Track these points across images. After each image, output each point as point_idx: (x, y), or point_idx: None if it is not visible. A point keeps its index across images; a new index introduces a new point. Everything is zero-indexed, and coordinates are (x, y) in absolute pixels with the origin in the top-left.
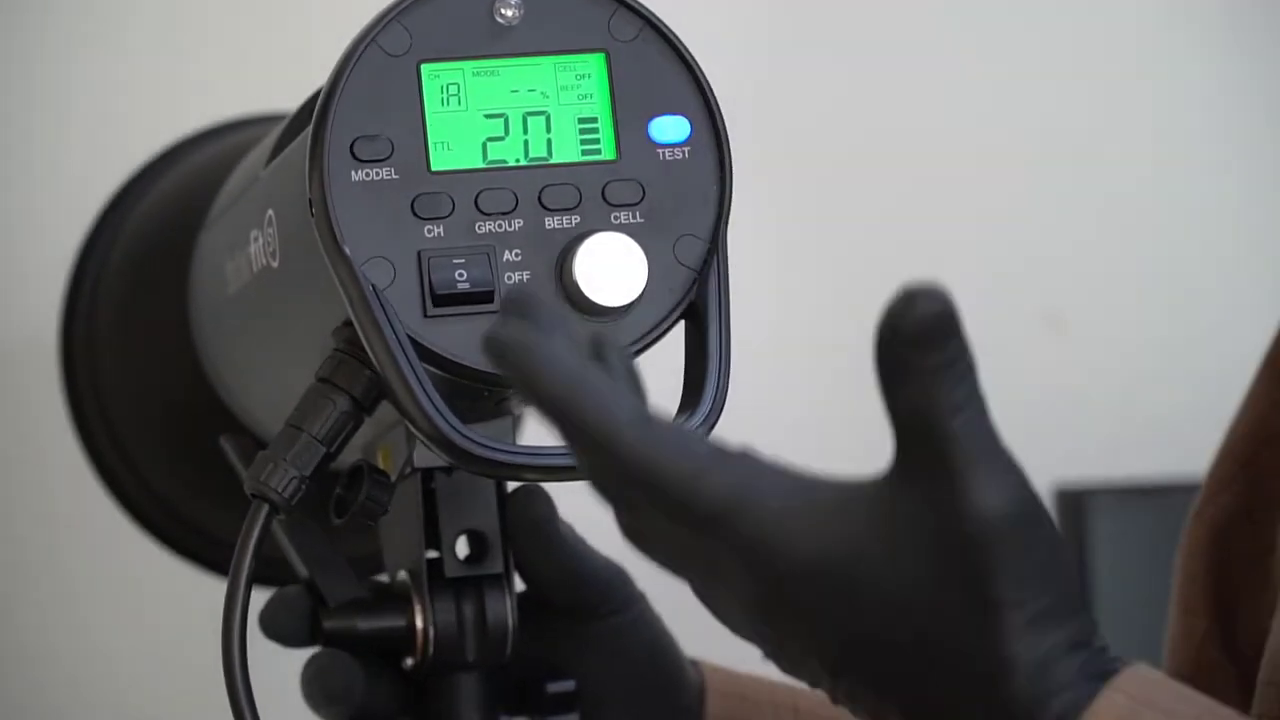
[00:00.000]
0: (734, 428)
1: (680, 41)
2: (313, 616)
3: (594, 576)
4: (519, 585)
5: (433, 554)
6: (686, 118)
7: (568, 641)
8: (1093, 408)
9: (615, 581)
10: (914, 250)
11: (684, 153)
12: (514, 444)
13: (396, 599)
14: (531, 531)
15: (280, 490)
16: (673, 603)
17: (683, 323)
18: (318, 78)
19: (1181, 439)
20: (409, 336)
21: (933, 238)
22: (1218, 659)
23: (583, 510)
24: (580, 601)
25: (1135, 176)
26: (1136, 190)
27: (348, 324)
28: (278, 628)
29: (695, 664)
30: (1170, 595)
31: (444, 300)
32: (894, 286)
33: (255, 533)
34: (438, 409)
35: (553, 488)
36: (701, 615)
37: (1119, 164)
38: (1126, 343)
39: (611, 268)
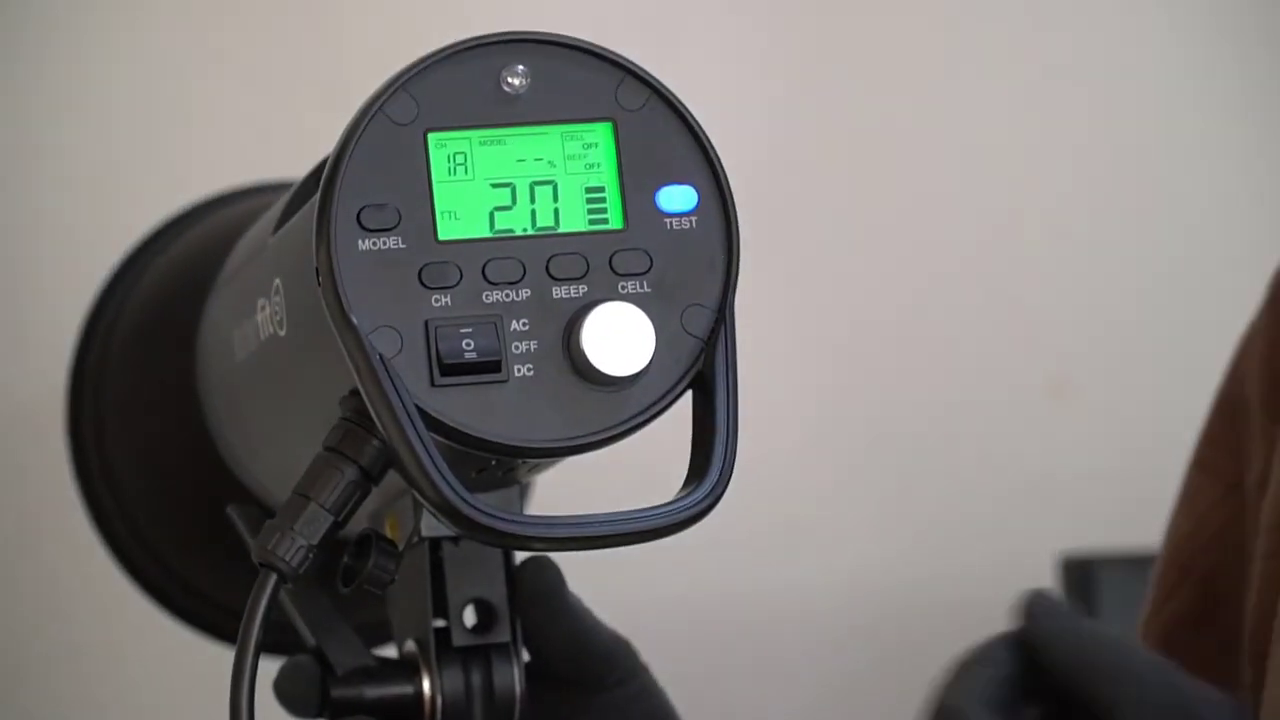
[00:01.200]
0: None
1: (688, 110)
2: (320, 684)
3: (600, 648)
4: (525, 655)
5: (440, 623)
6: (694, 187)
7: (572, 712)
8: (1099, 476)
9: (620, 653)
10: (916, 319)
11: (691, 222)
12: (521, 513)
13: (404, 667)
14: (540, 602)
15: (288, 559)
16: (676, 675)
17: (690, 393)
18: (324, 146)
19: None
20: (416, 406)
21: (936, 306)
22: None
23: (587, 579)
24: (585, 672)
25: (1141, 243)
26: (1141, 257)
27: (355, 393)
28: (291, 697)
29: None
30: None
31: (451, 370)
32: (895, 352)
33: (263, 602)
34: (445, 478)
35: (559, 558)
36: (703, 688)
37: (1124, 229)
38: (1132, 410)
39: (619, 338)
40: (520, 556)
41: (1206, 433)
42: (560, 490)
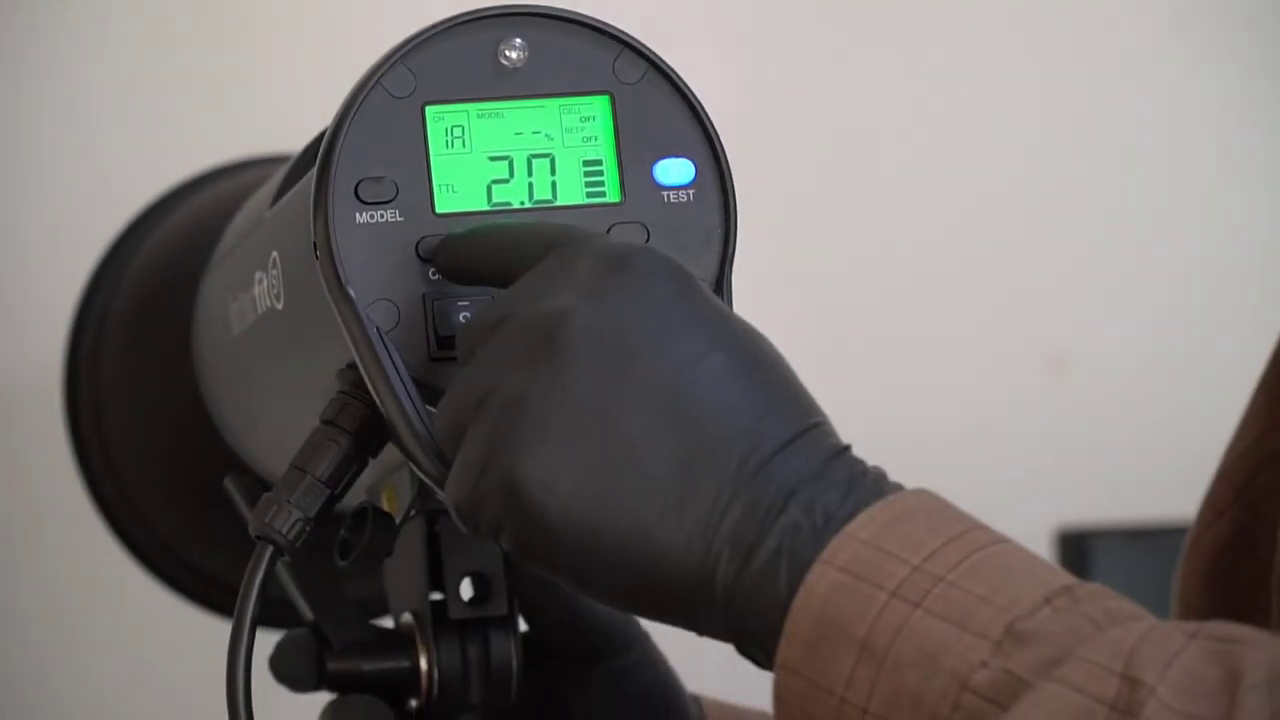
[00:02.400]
0: None
1: (685, 84)
2: (317, 658)
3: (597, 620)
4: (522, 627)
5: (437, 596)
6: (691, 160)
7: (571, 684)
8: (1095, 449)
9: (619, 624)
10: (915, 293)
11: (688, 195)
12: None
13: (401, 640)
14: (535, 577)
15: (284, 532)
16: (676, 642)
17: None
18: (322, 119)
19: (1184, 480)
20: (413, 379)
21: (934, 282)
22: None
23: None
24: (583, 644)
25: (1139, 218)
26: (1139, 232)
27: (352, 366)
28: (287, 671)
29: (698, 700)
30: None
31: (449, 343)
32: (893, 328)
33: (259, 575)
34: (442, 451)
35: None
36: (706, 653)
37: (1122, 206)
38: (1129, 384)
39: None
40: None
41: (1274, 357)
42: None
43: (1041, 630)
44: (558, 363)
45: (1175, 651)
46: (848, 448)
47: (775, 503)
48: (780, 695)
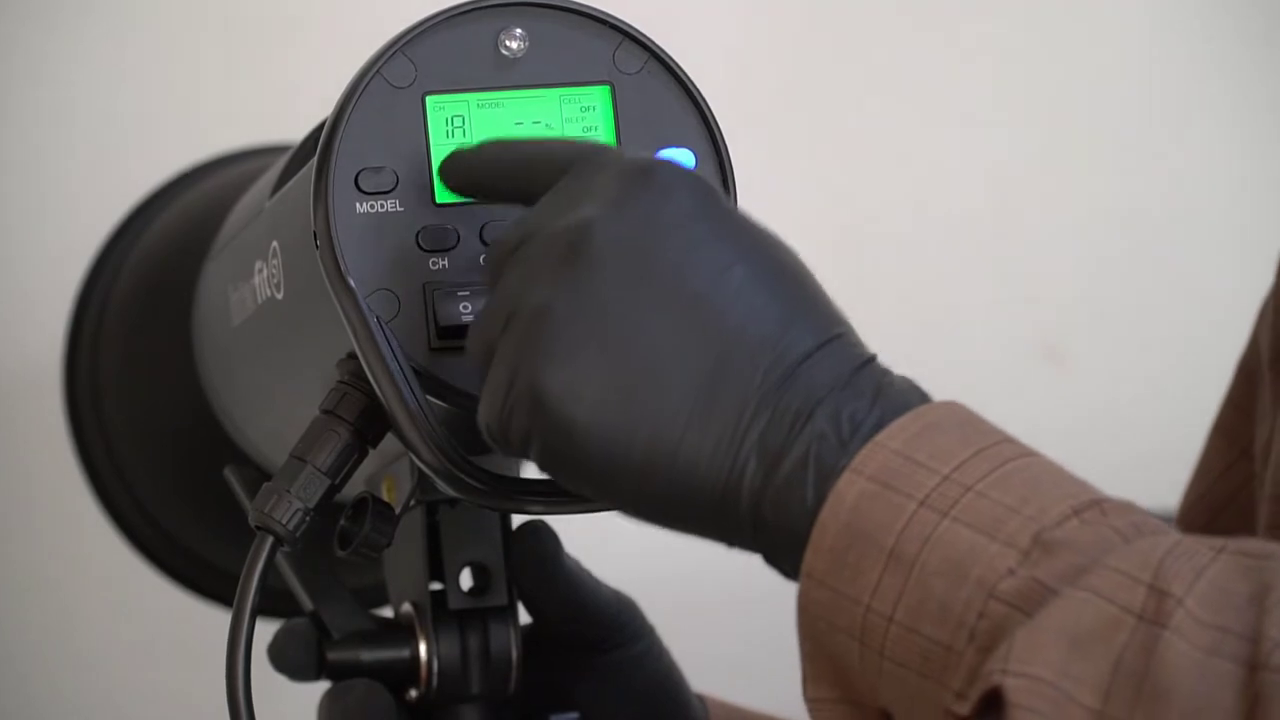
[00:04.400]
0: None
1: (685, 74)
2: (317, 648)
3: (601, 611)
4: (524, 618)
5: (437, 586)
6: (691, 150)
7: (574, 674)
8: (1093, 440)
9: (623, 615)
10: (914, 284)
11: None
12: (518, 477)
13: (401, 630)
14: (536, 567)
15: (285, 522)
16: (682, 637)
17: None
18: (323, 109)
19: (1181, 475)
20: (413, 369)
21: (932, 272)
22: None
23: (592, 542)
24: (587, 635)
25: (1136, 209)
26: (1137, 223)
27: (352, 356)
28: (286, 661)
29: (702, 699)
30: None
31: (449, 332)
32: (891, 316)
33: (260, 564)
34: (441, 441)
35: (558, 521)
36: (710, 650)
37: (1120, 196)
38: (1126, 376)
39: None
40: (517, 520)
41: (1228, 396)
42: None
43: (1069, 540)
44: (581, 273)
45: (1204, 565)
46: (873, 357)
47: (802, 411)
48: (804, 605)
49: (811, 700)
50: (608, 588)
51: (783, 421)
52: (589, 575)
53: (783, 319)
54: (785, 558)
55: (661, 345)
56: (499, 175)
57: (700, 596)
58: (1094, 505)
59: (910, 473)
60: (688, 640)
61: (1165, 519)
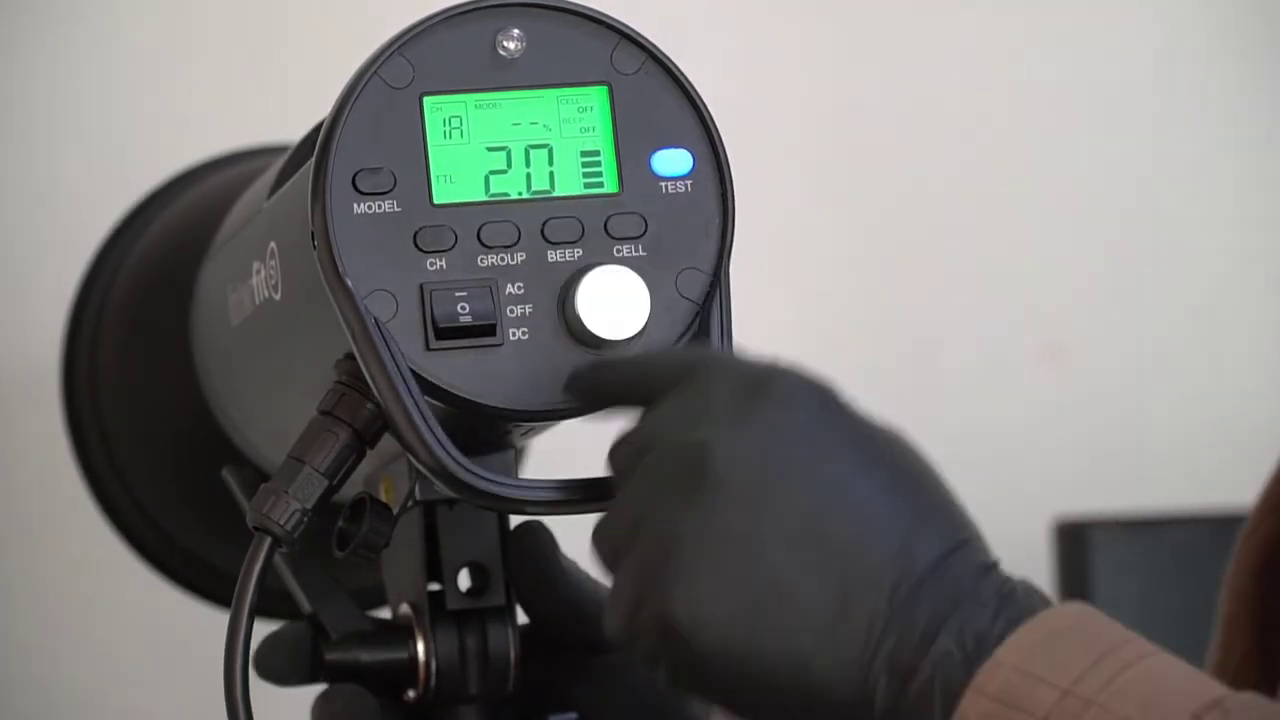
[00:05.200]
0: None
1: (683, 74)
2: (314, 649)
3: (598, 611)
4: (522, 619)
5: (435, 586)
6: (689, 151)
7: (573, 674)
8: (1093, 440)
9: None
10: (912, 282)
11: (686, 186)
12: (516, 477)
13: (399, 631)
14: (532, 569)
15: (282, 523)
16: None
17: None
18: (320, 109)
19: (1182, 471)
20: (411, 370)
21: (931, 271)
22: (1256, 682)
23: (582, 543)
24: (586, 636)
25: (1136, 207)
26: (1137, 220)
27: (349, 357)
28: (271, 668)
29: None
30: (1214, 618)
31: (446, 333)
32: (889, 318)
33: (258, 565)
34: (440, 441)
35: (557, 522)
36: None
37: (1119, 194)
38: (1127, 374)
39: (614, 301)
40: (515, 520)
41: None
42: (555, 454)
43: None
44: (703, 498)
45: None
46: (996, 563)
47: (929, 629)
48: None
49: None
50: (608, 589)
51: (910, 640)
52: (588, 576)
53: (906, 531)
54: None
55: (786, 568)
56: (620, 391)
57: None
58: (1215, 706)
59: (1030, 690)
60: None
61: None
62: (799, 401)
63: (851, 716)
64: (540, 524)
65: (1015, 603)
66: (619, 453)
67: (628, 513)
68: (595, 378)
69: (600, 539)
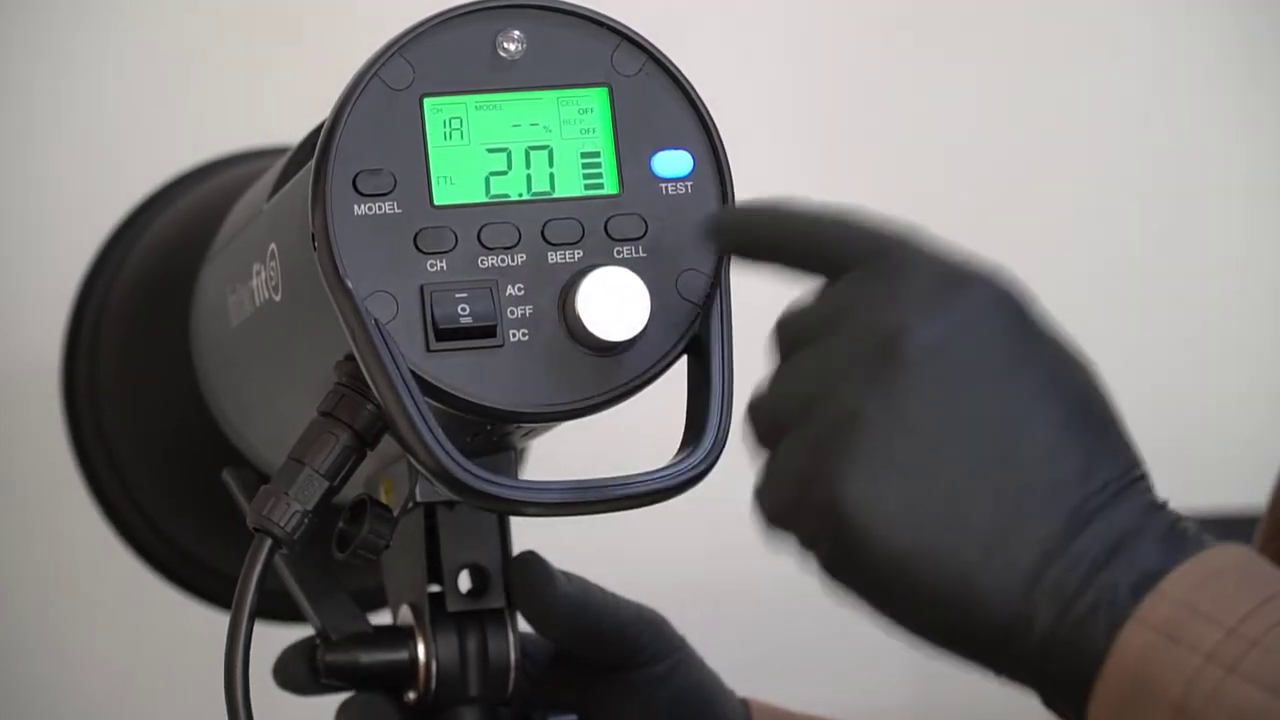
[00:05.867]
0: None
1: (683, 76)
2: (314, 650)
3: (618, 631)
4: (524, 625)
5: (435, 588)
6: (689, 152)
7: (602, 691)
8: None
9: (646, 634)
10: None
11: (687, 187)
12: (516, 479)
13: (399, 633)
14: (530, 598)
15: (283, 524)
16: (717, 645)
17: (685, 358)
18: (320, 111)
19: (1182, 472)
20: (411, 371)
21: None
22: None
23: (583, 543)
24: (607, 656)
25: (1136, 214)
26: (1137, 222)
27: (350, 358)
28: (291, 678)
29: (745, 703)
30: None
31: (446, 335)
32: None
33: (258, 567)
34: (440, 443)
35: (557, 523)
36: (747, 655)
37: (1120, 196)
38: (1126, 376)
39: (614, 302)
40: (515, 523)
41: None
42: (555, 455)
43: None
44: (894, 381)
45: None
46: (1166, 502)
47: (1099, 558)
48: None
49: None
50: (630, 606)
51: (1079, 567)
52: (603, 595)
53: (1088, 457)
54: (1067, 701)
55: (968, 472)
56: (795, 239)
57: (696, 590)
58: None
59: (1193, 624)
60: (727, 643)
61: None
62: (999, 305)
63: (1006, 635)
64: (531, 554)
65: (1183, 539)
66: (794, 322)
67: (800, 387)
68: (751, 223)
69: (760, 411)
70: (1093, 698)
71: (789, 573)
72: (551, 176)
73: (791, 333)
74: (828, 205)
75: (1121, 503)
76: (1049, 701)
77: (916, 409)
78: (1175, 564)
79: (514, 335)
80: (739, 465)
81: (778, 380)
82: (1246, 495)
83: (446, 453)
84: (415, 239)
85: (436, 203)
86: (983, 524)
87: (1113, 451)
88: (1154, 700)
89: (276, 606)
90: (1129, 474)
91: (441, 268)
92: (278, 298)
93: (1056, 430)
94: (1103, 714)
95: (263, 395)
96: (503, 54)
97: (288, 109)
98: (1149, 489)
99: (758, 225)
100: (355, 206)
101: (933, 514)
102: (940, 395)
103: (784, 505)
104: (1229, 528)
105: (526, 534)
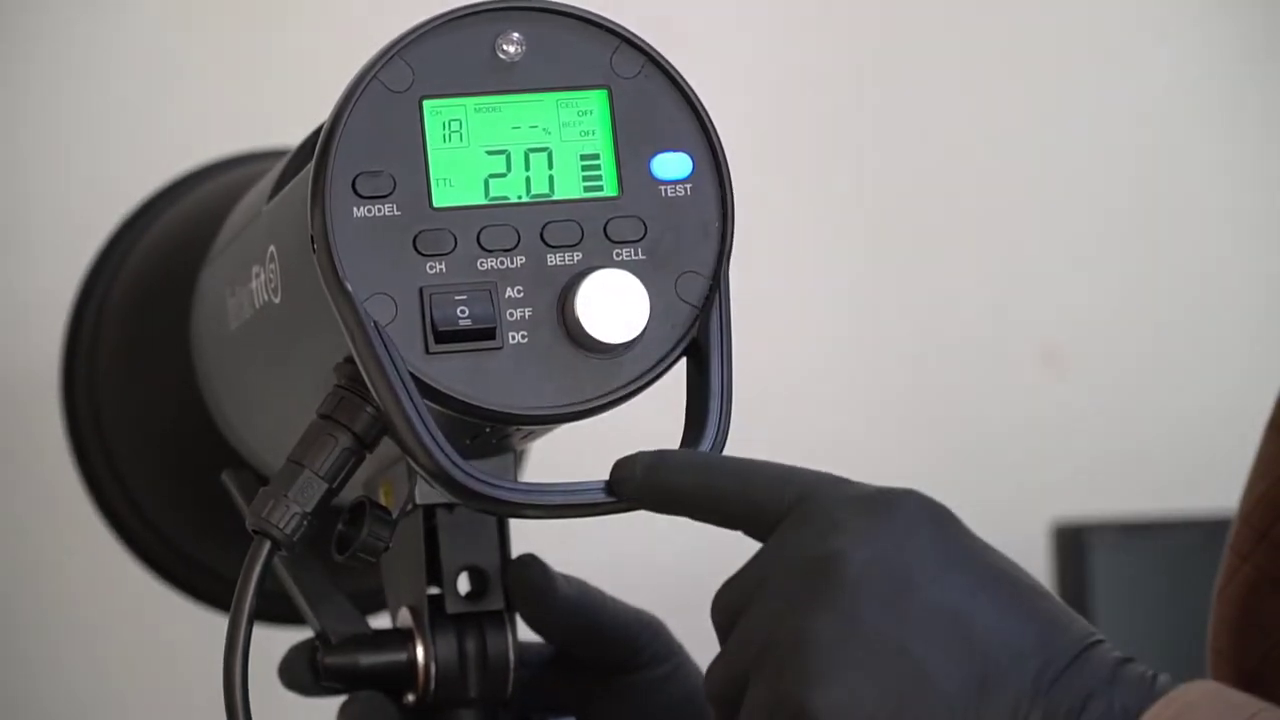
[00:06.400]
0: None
1: (682, 78)
2: (314, 652)
3: (617, 633)
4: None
5: (434, 590)
6: (688, 154)
7: (598, 694)
8: (1091, 444)
9: (644, 636)
10: (911, 286)
11: (686, 189)
12: (515, 481)
13: (398, 635)
14: (529, 602)
15: (282, 526)
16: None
17: (684, 360)
18: (320, 113)
19: (1180, 474)
20: (410, 373)
21: (930, 274)
22: None
23: (581, 544)
24: (606, 658)
25: (1134, 212)
26: (1135, 225)
27: (349, 360)
28: (296, 679)
29: None
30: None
31: (445, 337)
32: (887, 321)
33: (257, 569)
34: (439, 445)
35: (558, 525)
36: (692, 649)
37: (1117, 199)
38: (1125, 378)
39: (613, 305)
40: (514, 525)
41: None
42: (555, 457)
43: None
44: (842, 598)
45: None
46: (1133, 659)
47: (1074, 708)
48: None
49: None
50: (629, 609)
51: (1055, 716)
52: (602, 598)
53: (1043, 631)
54: None
55: (927, 660)
56: (716, 500)
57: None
58: None
59: None
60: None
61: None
62: (924, 517)
63: None
64: (529, 556)
65: (1157, 684)
66: (729, 592)
67: (754, 635)
68: (688, 482)
69: (718, 671)
70: None
71: None
72: (551, 179)
73: (731, 599)
74: (736, 461)
75: (1088, 660)
76: None
77: (866, 615)
78: (1146, 702)
79: (513, 337)
80: None
81: (730, 642)
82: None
83: (446, 455)
84: (414, 241)
85: (436, 205)
86: (955, 699)
87: (1067, 622)
88: None
89: (275, 609)
90: (1089, 637)
91: (441, 270)
92: (277, 300)
93: (1005, 611)
94: None
95: (262, 397)
96: (502, 56)
97: (287, 111)
98: (1113, 649)
99: (685, 485)
100: (354, 209)
101: (903, 704)
102: (887, 598)
103: None
104: (1225, 530)
105: (526, 536)
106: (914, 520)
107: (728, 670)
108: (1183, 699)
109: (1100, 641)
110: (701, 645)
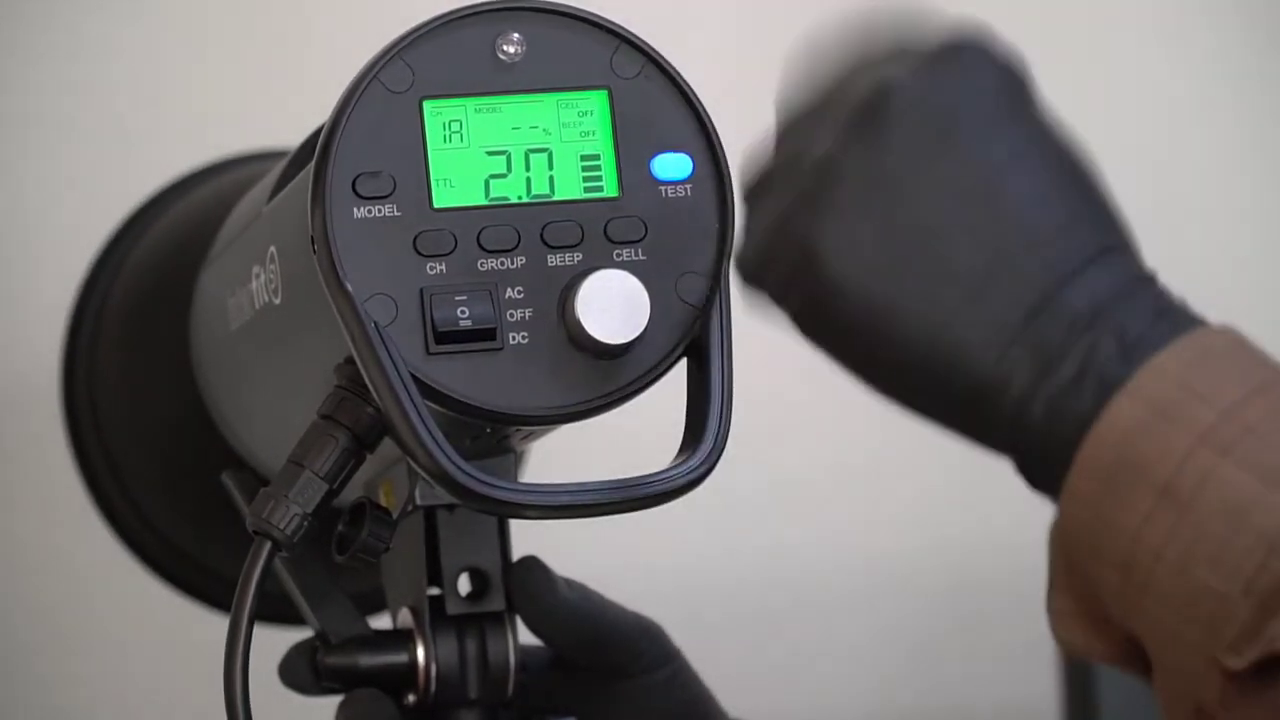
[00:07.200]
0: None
1: (683, 79)
2: (314, 653)
3: (616, 637)
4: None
5: (435, 591)
6: (689, 155)
7: (597, 698)
8: None
9: (643, 641)
10: None
11: (686, 190)
12: (516, 481)
13: (399, 636)
14: (530, 605)
15: (282, 527)
16: (713, 661)
17: (684, 361)
18: (320, 114)
19: None
20: (411, 374)
21: None
22: None
23: (581, 546)
24: (604, 662)
25: (1138, 211)
26: (1139, 224)
27: (349, 361)
28: (295, 678)
29: None
30: None
31: (446, 337)
32: None
33: (257, 570)
34: (440, 446)
35: (558, 525)
36: (692, 654)
37: (1122, 197)
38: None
39: (614, 305)
40: (514, 526)
41: None
42: (555, 458)
43: None
44: (876, 131)
45: None
46: (1155, 276)
47: (1082, 315)
48: (1065, 525)
49: (1055, 611)
50: (629, 613)
51: (1061, 321)
52: (603, 602)
53: (1071, 217)
54: (1041, 467)
55: (945, 218)
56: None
57: (692, 593)
58: None
59: (1187, 404)
60: (726, 645)
61: None
62: (991, 67)
63: (980, 391)
64: (531, 558)
65: (1173, 312)
66: (789, 109)
67: (790, 143)
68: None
69: (749, 169)
70: (1075, 468)
71: (789, 575)
72: (551, 179)
73: (789, 115)
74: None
75: (1107, 264)
76: (1023, 467)
77: (898, 157)
78: (1167, 337)
79: (514, 338)
80: (739, 467)
81: (772, 140)
82: None
83: (446, 456)
84: (415, 242)
85: (436, 205)
86: (960, 273)
87: (1099, 214)
88: (1138, 477)
89: (276, 609)
90: (1114, 238)
91: (441, 270)
92: (277, 300)
93: (1040, 185)
94: (1085, 486)
95: (262, 398)
96: (502, 56)
97: (288, 112)
98: (1137, 260)
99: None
100: (355, 209)
101: (908, 261)
102: (923, 144)
103: (757, 253)
104: None
105: (526, 537)
106: (976, 66)
107: (758, 170)
108: (1205, 343)
109: (1128, 245)
110: (700, 650)
